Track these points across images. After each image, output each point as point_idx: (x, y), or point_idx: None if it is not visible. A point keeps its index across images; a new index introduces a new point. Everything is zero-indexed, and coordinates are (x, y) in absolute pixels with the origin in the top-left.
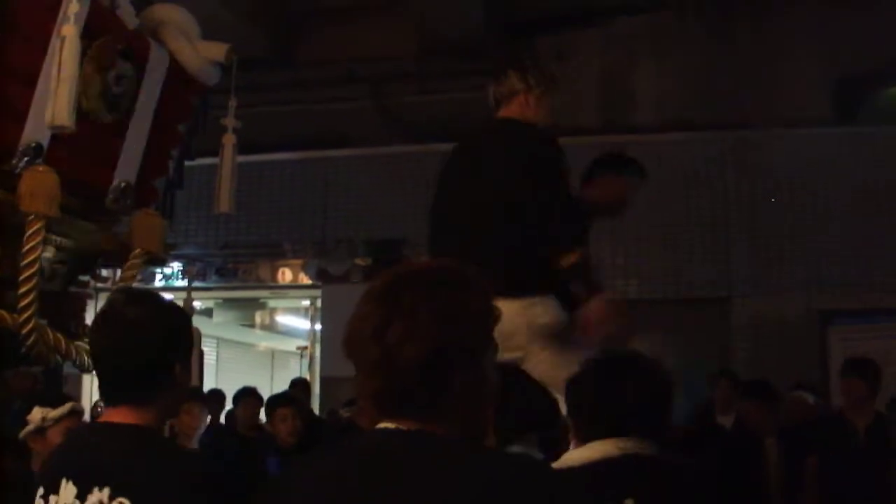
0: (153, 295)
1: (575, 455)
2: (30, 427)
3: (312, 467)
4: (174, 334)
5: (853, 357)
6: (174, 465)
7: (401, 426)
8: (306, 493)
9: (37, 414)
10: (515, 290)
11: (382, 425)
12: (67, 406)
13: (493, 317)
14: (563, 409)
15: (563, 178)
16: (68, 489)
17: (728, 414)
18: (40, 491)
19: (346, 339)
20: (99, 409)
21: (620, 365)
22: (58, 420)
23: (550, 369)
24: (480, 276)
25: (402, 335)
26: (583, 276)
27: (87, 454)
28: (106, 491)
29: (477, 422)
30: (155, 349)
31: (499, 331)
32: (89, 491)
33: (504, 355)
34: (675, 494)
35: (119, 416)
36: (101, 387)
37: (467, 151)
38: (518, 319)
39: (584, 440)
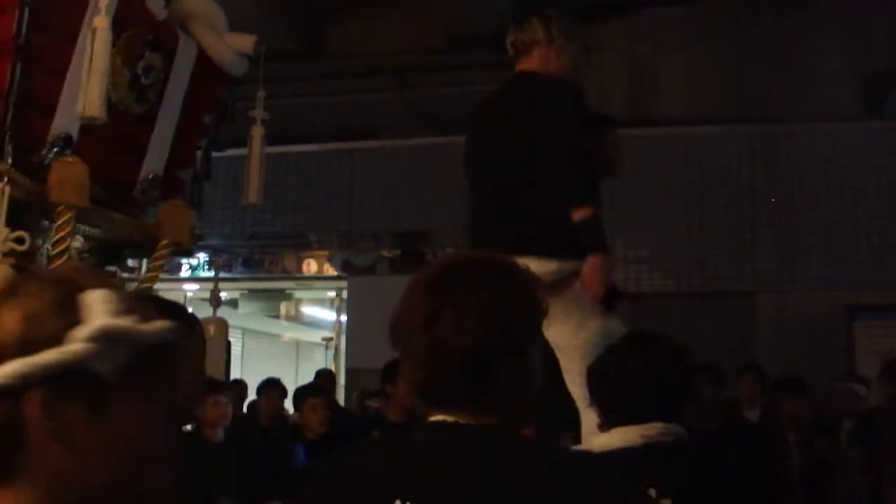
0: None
1: (598, 442)
2: None
3: (366, 461)
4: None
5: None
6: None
7: (452, 418)
8: (364, 487)
9: None
10: (550, 251)
11: (435, 418)
12: None
13: (542, 310)
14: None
15: (579, 133)
16: None
17: (754, 408)
18: None
19: (393, 328)
20: None
21: (641, 348)
22: None
23: (566, 336)
24: (527, 269)
25: (452, 327)
26: (592, 233)
27: None
28: None
29: (521, 413)
30: None
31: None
32: None
33: None
34: (699, 485)
35: None
36: None
37: (493, 111)
38: (551, 280)
39: (608, 426)
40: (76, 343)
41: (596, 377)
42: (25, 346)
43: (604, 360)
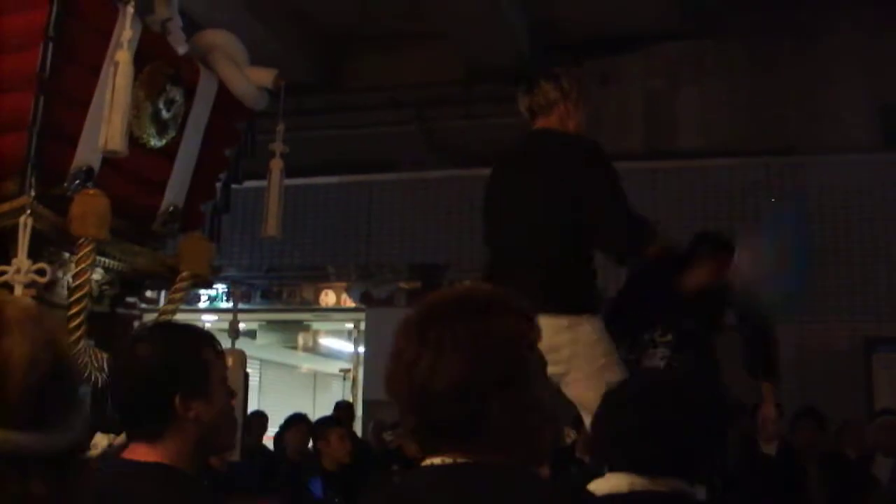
0: (160, 327)
1: (593, 486)
2: (95, 452)
3: None
4: (170, 366)
5: None
6: None
7: (446, 459)
8: None
9: (103, 440)
10: (563, 307)
11: (428, 462)
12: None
13: (527, 339)
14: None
15: (618, 181)
16: None
17: (771, 442)
18: None
19: (386, 378)
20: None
21: (638, 394)
22: (122, 447)
23: (584, 391)
24: (511, 299)
25: (430, 370)
26: (670, 251)
27: (109, 492)
28: None
29: (530, 448)
30: (145, 385)
31: (543, 345)
32: None
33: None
34: None
35: (139, 452)
36: (120, 421)
37: (514, 167)
38: (564, 335)
39: (607, 471)
40: None
41: (593, 424)
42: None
43: (601, 407)
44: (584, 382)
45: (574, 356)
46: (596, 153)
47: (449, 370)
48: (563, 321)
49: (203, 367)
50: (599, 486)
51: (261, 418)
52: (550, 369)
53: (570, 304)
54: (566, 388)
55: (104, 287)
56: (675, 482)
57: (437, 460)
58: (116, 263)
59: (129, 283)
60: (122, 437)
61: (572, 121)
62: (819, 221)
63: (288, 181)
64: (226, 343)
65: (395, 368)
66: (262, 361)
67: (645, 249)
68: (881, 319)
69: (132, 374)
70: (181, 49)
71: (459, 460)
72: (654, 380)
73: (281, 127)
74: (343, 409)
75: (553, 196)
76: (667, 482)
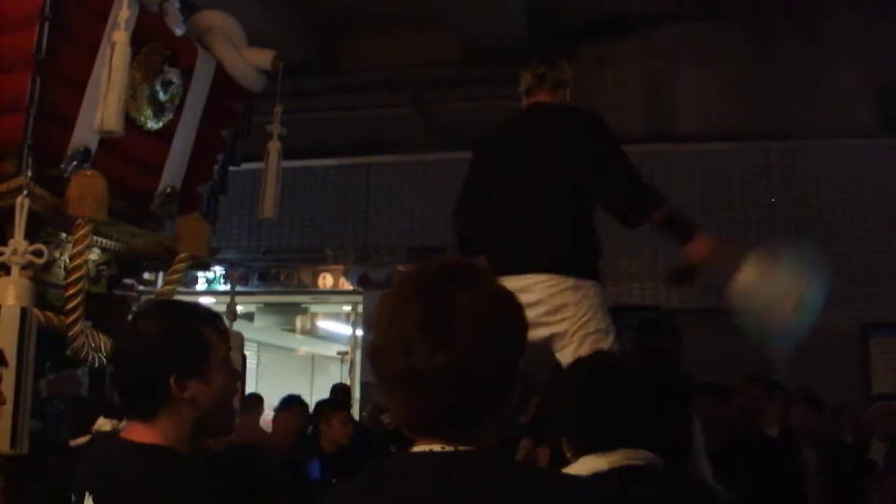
0: (161, 305)
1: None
2: None
3: (366, 497)
4: (166, 346)
5: None
6: (175, 490)
7: (438, 447)
8: None
9: (106, 426)
10: (572, 269)
11: (421, 448)
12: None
13: (525, 322)
14: None
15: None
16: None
17: (775, 425)
18: (74, 498)
19: (371, 354)
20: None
21: (596, 373)
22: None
23: (583, 351)
24: (491, 271)
25: (430, 354)
26: (678, 223)
27: (103, 471)
28: None
29: (498, 433)
30: (141, 364)
31: (550, 303)
32: None
33: (544, 331)
34: None
35: (136, 432)
36: (119, 399)
37: (521, 136)
38: (571, 295)
39: (576, 455)
40: None
41: (561, 408)
42: None
43: (566, 389)
44: (583, 343)
45: (579, 315)
46: (604, 121)
47: (453, 355)
48: (569, 281)
49: (202, 346)
50: (578, 469)
51: (257, 401)
52: (548, 330)
53: (580, 267)
54: (562, 349)
55: (101, 268)
56: (648, 454)
57: (436, 447)
58: (113, 244)
59: (126, 265)
60: (126, 422)
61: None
62: (817, 206)
63: (285, 163)
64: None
65: (385, 348)
66: (260, 344)
67: (653, 213)
68: (879, 305)
69: (130, 352)
70: (179, 30)
71: (461, 448)
72: (621, 361)
73: (278, 108)
74: (341, 392)
75: (567, 159)
76: (640, 455)
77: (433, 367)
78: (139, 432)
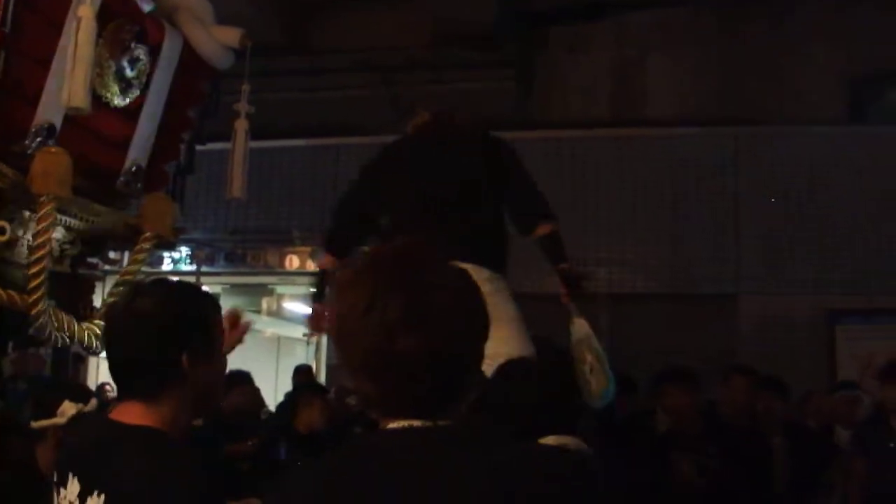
0: (167, 283)
1: None
2: (59, 420)
3: (342, 472)
4: (179, 324)
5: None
6: (173, 479)
7: (416, 423)
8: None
9: (71, 409)
10: (486, 261)
11: (397, 424)
12: (94, 402)
13: (482, 304)
14: None
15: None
16: (74, 485)
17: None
18: (55, 478)
19: (345, 334)
20: (107, 393)
21: (510, 367)
22: (93, 413)
23: (494, 341)
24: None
25: (415, 334)
26: (554, 247)
27: (92, 453)
28: (102, 498)
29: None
30: (154, 341)
31: None
32: (90, 493)
33: None
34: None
35: (128, 412)
36: (112, 379)
37: (430, 144)
38: (487, 286)
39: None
40: None
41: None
42: None
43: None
44: (496, 333)
45: (494, 306)
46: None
47: (435, 335)
48: (484, 272)
49: (210, 327)
50: None
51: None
52: None
53: (494, 259)
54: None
55: (65, 247)
56: (576, 440)
57: (404, 423)
58: (78, 223)
59: (90, 244)
60: (92, 404)
61: None
62: (785, 193)
63: (254, 144)
64: None
65: (359, 327)
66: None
67: (541, 228)
68: (845, 292)
69: (139, 329)
70: (146, 6)
71: (441, 423)
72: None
73: (246, 87)
74: (303, 374)
75: (473, 164)
76: (569, 440)
77: (412, 349)
78: (133, 413)
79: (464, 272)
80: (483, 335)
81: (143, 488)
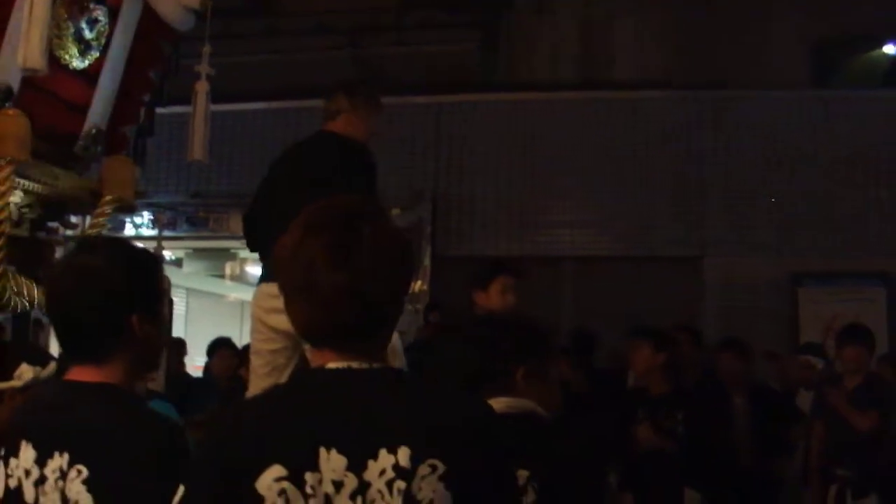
0: (115, 242)
1: None
2: (16, 384)
3: (282, 409)
4: (130, 283)
5: (854, 325)
6: (137, 429)
7: (354, 363)
8: (286, 435)
9: (28, 373)
10: None
11: (335, 364)
12: (53, 365)
13: (410, 257)
14: None
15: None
16: (28, 453)
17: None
18: (2, 452)
19: (285, 265)
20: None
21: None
22: (49, 378)
23: None
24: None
25: (333, 268)
26: None
27: (47, 416)
28: (66, 456)
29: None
30: (104, 301)
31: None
32: (49, 456)
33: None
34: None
35: (82, 373)
36: (58, 341)
37: (294, 156)
38: None
39: None
40: None
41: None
42: None
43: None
44: None
45: None
46: (370, 163)
47: (383, 275)
48: None
49: (157, 285)
50: None
51: (179, 345)
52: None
53: None
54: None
55: (24, 210)
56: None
57: (342, 364)
58: (37, 186)
59: (50, 208)
60: (50, 368)
61: (353, 128)
62: (749, 157)
63: (216, 107)
64: None
65: (311, 261)
66: (189, 290)
67: None
68: (807, 255)
69: (86, 290)
70: None
71: (359, 365)
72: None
73: (207, 48)
74: None
75: (321, 184)
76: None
77: (333, 284)
78: (86, 374)
79: (395, 226)
80: (404, 283)
81: (111, 439)
